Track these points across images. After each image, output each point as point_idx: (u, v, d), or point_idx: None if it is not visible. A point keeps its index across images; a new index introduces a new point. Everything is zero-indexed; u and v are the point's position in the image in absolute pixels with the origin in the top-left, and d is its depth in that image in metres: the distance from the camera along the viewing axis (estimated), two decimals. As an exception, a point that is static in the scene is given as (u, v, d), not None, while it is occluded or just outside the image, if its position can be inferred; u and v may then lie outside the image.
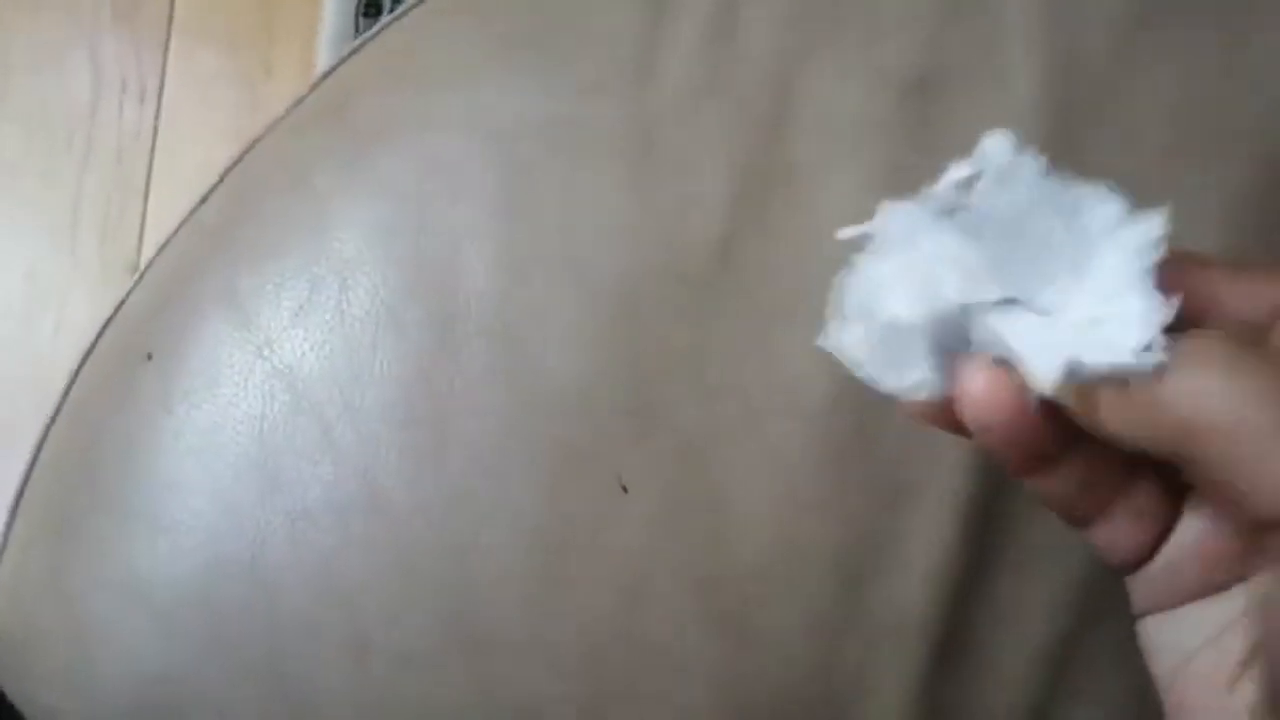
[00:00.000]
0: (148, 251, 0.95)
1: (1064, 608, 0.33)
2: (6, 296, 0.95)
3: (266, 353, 0.36)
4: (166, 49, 1.00)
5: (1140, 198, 0.35)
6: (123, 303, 0.40)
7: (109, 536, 0.37)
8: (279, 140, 0.43)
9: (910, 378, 0.21)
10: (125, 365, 0.38)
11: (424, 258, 0.37)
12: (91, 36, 1.01)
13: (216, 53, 1.00)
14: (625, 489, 0.34)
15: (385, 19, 0.45)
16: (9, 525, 0.39)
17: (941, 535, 0.33)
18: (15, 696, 0.38)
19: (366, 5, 0.98)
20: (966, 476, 0.34)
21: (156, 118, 0.99)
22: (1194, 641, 0.24)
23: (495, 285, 0.36)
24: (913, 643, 0.33)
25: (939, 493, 0.34)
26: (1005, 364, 0.21)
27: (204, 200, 0.42)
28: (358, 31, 0.97)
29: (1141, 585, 0.25)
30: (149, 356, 0.38)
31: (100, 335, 0.40)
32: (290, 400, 0.36)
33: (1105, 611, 0.33)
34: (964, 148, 0.36)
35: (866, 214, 0.36)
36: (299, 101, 0.44)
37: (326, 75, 0.44)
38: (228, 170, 0.42)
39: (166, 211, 0.96)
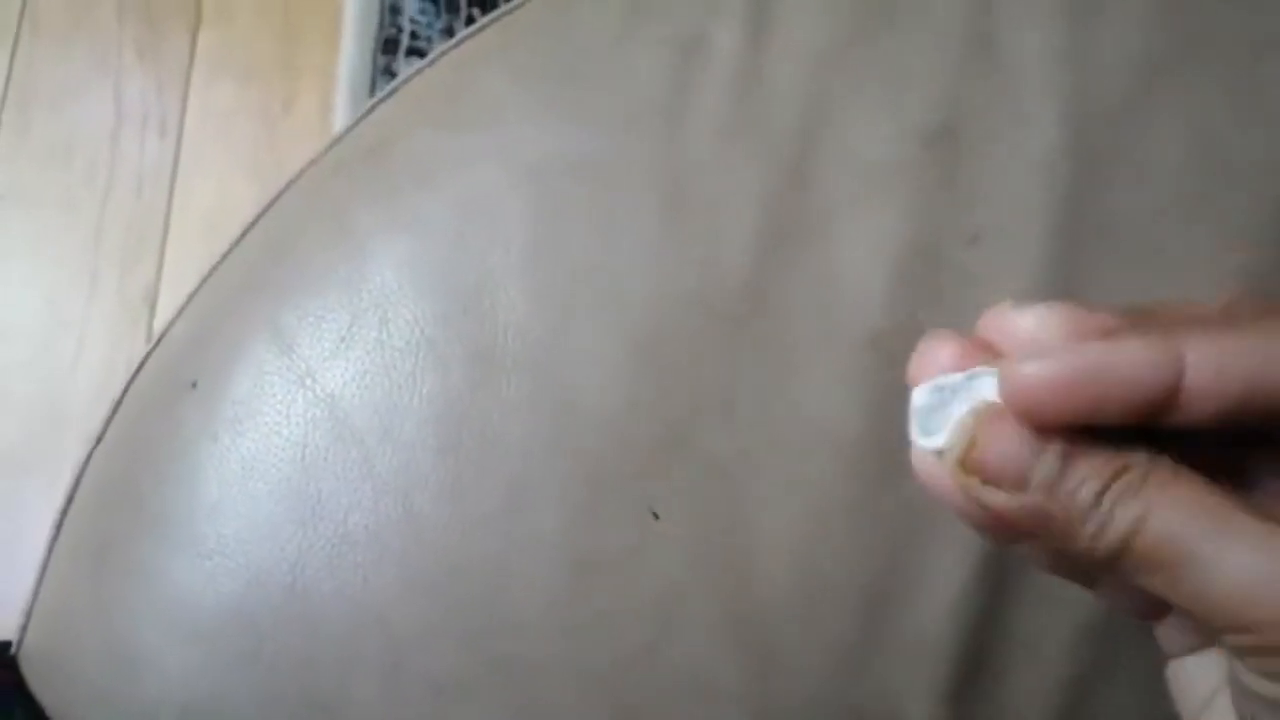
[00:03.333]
0: (167, 282, 0.97)
1: (1083, 641, 0.34)
2: (28, 324, 0.96)
3: (309, 382, 0.38)
4: (187, 84, 1.03)
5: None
6: (165, 332, 0.41)
7: (151, 560, 0.38)
8: (317, 178, 0.44)
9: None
10: (169, 393, 0.40)
11: (462, 292, 0.38)
12: (114, 72, 1.03)
13: (236, 88, 1.02)
14: (656, 516, 0.35)
15: (420, 62, 0.46)
16: (51, 546, 0.40)
17: (963, 568, 0.34)
18: (55, 714, 0.38)
19: (385, 42, 1.00)
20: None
21: (177, 151, 1.01)
22: (1214, 683, 0.24)
23: (531, 318, 0.38)
24: (935, 671, 0.34)
25: (961, 527, 0.35)
26: None
27: (244, 235, 0.44)
28: (375, 68, 1.00)
29: (1164, 631, 0.26)
30: (193, 385, 0.39)
31: (143, 364, 0.41)
32: (332, 428, 0.37)
33: (1125, 645, 0.34)
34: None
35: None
36: (336, 140, 0.45)
37: (363, 116, 0.46)
38: (268, 206, 0.44)
39: (185, 243, 0.98)
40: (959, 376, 0.24)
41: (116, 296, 0.97)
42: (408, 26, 1.01)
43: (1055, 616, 0.34)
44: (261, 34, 1.03)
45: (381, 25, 1.00)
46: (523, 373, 0.37)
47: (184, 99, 1.02)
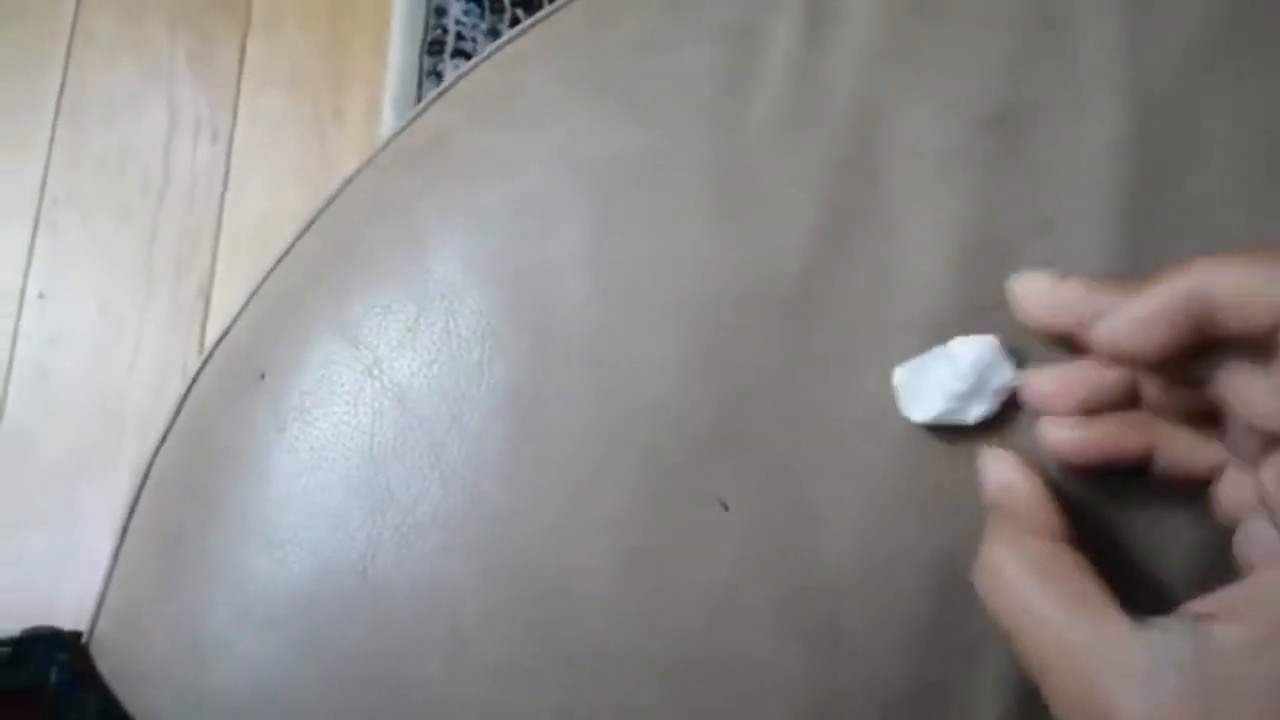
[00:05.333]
0: (219, 286, 0.99)
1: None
2: (83, 329, 0.98)
3: (376, 372, 0.38)
4: (238, 92, 1.04)
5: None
6: (231, 325, 0.42)
7: (222, 551, 0.38)
8: (376, 174, 0.45)
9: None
10: (237, 384, 0.40)
11: (523, 285, 0.38)
12: (166, 80, 1.05)
13: (286, 96, 1.04)
14: (726, 507, 0.35)
15: (473, 59, 0.47)
16: (122, 535, 0.41)
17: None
18: (127, 702, 0.39)
19: (431, 44, 1.01)
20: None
21: (228, 158, 1.02)
22: None
23: (591, 311, 0.38)
24: (1007, 660, 0.34)
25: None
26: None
27: (305, 231, 0.44)
28: (421, 70, 1.01)
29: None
30: (261, 376, 0.39)
31: (210, 356, 0.42)
32: (399, 417, 0.37)
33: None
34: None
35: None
36: (393, 137, 0.46)
37: (418, 114, 0.46)
38: (328, 202, 0.44)
39: (237, 247, 1.00)
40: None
41: (170, 301, 0.98)
42: (453, 28, 1.01)
43: (1132, 597, 0.34)
44: (309, 41, 1.05)
45: (427, 27, 1.01)
46: (585, 363, 0.37)
47: (235, 106, 1.04)
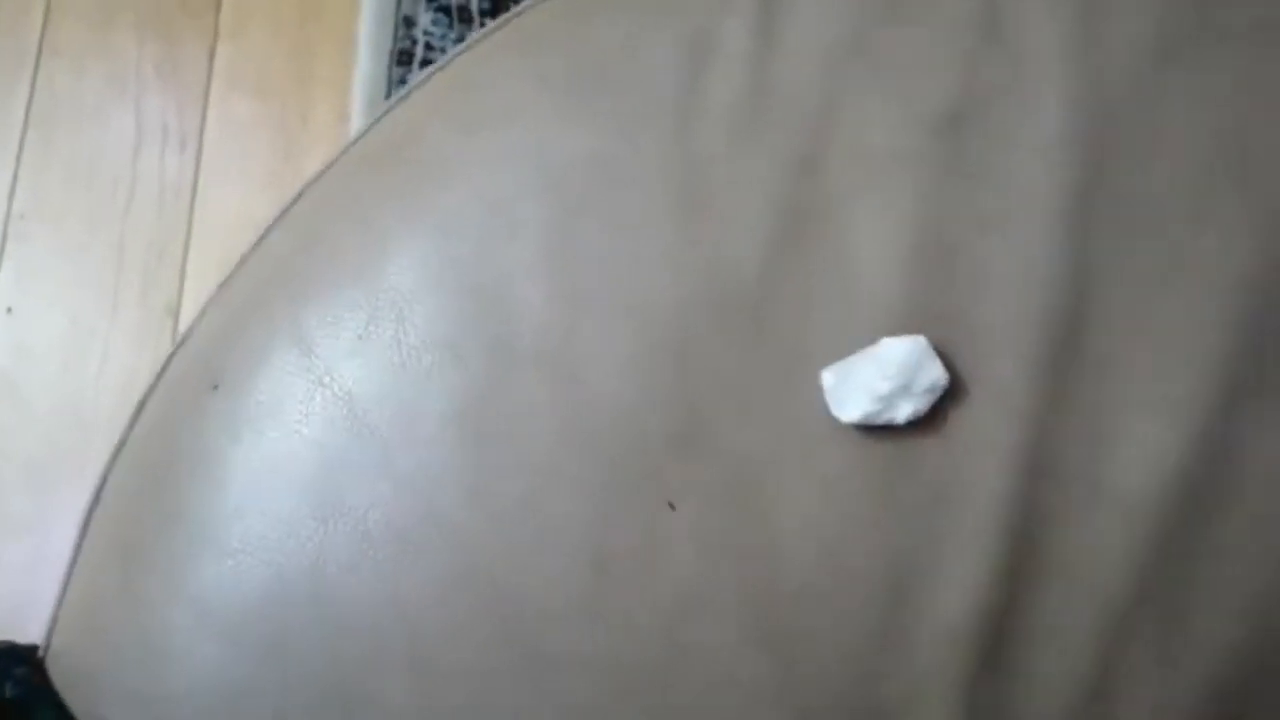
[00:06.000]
0: (188, 294, 0.98)
1: (1105, 624, 0.34)
2: (51, 338, 0.97)
3: (327, 380, 0.38)
4: (206, 99, 1.04)
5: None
6: (188, 335, 0.42)
7: (179, 559, 0.38)
8: (338, 178, 0.45)
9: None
10: (192, 395, 0.40)
11: (480, 291, 0.39)
12: (134, 89, 1.04)
13: (254, 102, 1.03)
14: (672, 507, 0.36)
15: (435, 64, 0.47)
16: (77, 548, 0.41)
17: (983, 555, 0.35)
18: (80, 712, 0.39)
19: (400, 54, 1.01)
20: (1003, 502, 0.35)
21: (196, 165, 1.02)
22: None
23: (548, 316, 0.38)
24: (955, 655, 0.34)
25: (976, 516, 0.35)
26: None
27: (264, 236, 0.44)
28: (390, 80, 1.00)
29: None
30: (215, 387, 0.39)
31: (166, 366, 0.42)
32: (350, 426, 0.37)
33: (1147, 626, 0.34)
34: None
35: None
36: (354, 141, 0.46)
37: (380, 118, 0.46)
38: (288, 207, 0.44)
39: (206, 256, 0.99)
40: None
41: (139, 310, 0.98)
42: (421, 38, 1.01)
43: (1076, 601, 0.34)
44: (277, 49, 1.04)
45: (395, 38, 1.01)
46: (540, 369, 0.37)
47: (203, 114, 1.03)
